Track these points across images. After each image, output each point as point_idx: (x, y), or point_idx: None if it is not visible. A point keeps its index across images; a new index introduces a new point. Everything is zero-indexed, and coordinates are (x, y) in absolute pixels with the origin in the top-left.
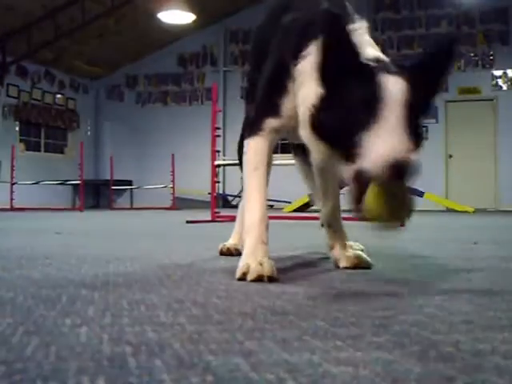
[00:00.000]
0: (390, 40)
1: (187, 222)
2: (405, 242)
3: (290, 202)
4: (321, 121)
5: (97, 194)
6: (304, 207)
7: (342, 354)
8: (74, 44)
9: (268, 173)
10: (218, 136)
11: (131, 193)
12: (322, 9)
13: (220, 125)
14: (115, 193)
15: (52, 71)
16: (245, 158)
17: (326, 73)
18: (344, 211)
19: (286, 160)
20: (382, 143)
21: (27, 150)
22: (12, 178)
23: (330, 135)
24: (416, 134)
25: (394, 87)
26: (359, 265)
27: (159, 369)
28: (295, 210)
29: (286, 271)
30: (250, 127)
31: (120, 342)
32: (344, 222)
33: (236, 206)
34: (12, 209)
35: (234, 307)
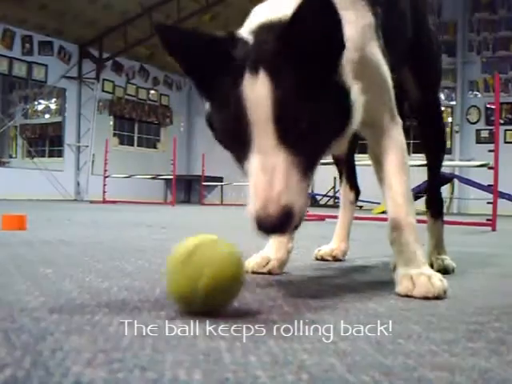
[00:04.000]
0: (486, 41)
1: None
2: (507, 249)
3: (379, 203)
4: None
5: (188, 189)
6: None
7: (437, 358)
8: None
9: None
10: None
11: (222, 189)
12: None
13: None
14: (206, 188)
15: (146, 67)
16: None
17: None
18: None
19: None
20: (251, 188)
21: (120, 144)
22: (105, 171)
23: (223, 145)
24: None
25: (255, 95)
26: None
27: (254, 365)
28: (385, 212)
29: (375, 273)
30: None
31: (214, 337)
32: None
33: (325, 206)
34: (104, 201)
35: (327, 307)
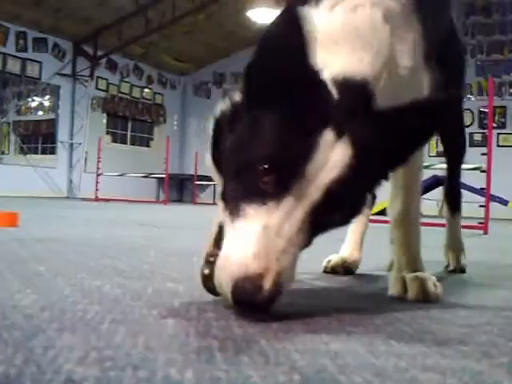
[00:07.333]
0: (480, 44)
1: None
2: (499, 252)
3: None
4: None
5: (180, 188)
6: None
7: (429, 360)
8: (163, 39)
9: None
10: None
11: (214, 188)
12: None
13: None
14: (199, 188)
15: (141, 66)
16: None
17: None
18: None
19: None
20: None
21: (114, 142)
22: (98, 169)
23: None
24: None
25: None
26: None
27: (246, 365)
28: (378, 214)
29: (366, 275)
30: None
31: (206, 336)
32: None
33: None
34: (97, 199)
35: (319, 307)
